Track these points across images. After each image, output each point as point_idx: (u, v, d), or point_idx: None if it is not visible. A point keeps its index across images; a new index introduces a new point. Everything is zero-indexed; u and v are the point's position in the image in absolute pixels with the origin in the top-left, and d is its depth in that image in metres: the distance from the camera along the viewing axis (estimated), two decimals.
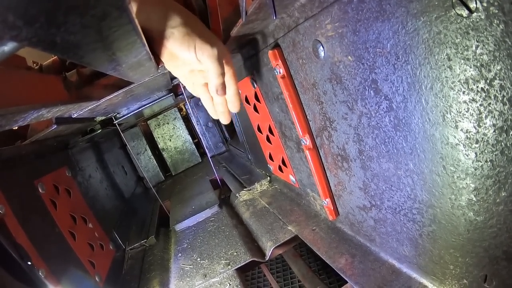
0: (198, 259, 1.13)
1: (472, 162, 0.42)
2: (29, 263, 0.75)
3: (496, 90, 0.35)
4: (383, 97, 0.52)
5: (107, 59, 0.41)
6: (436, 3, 0.37)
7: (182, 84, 1.44)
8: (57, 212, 1.00)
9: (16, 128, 1.03)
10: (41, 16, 0.23)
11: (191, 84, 0.75)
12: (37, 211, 0.92)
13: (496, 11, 0.32)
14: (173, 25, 0.57)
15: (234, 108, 0.78)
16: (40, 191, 0.97)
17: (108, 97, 0.92)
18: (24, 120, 0.68)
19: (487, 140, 0.39)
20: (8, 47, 0.39)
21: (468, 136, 0.41)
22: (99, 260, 1.11)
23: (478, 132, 0.39)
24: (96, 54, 0.37)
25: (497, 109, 0.36)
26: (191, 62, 0.63)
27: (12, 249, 0.72)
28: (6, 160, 0.89)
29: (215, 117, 0.82)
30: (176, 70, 0.69)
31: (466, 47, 0.36)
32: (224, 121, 0.81)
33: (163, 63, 0.65)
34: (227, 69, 0.71)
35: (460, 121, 0.41)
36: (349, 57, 0.55)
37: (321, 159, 0.83)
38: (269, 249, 1.00)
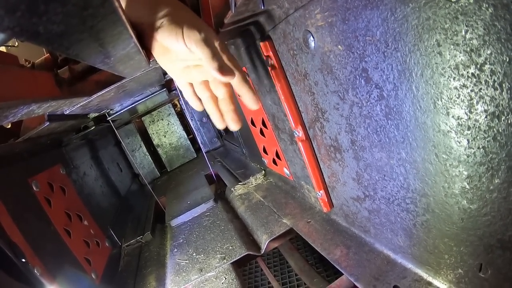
0: (194, 254, 1.13)
1: (465, 149, 0.42)
2: (23, 260, 0.74)
3: (487, 75, 0.35)
4: (373, 85, 0.51)
5: (94, 51, 0.41)
6: None
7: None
8: (52, 210, 0.99)
9: (9, 126, 1.02)
10: (22, 4, 0.23)
11: (186, 84, 0.69)
12: (32, 209, 0.92)
13: None
14: (162, 16, 0.56)
15: (248, 96, 0.66)
16: (34, 189, 0.96)
17: (100, 93, 0.92)
18: (14, 116, 0.67)
19: (479, 127, 0.38)
20: None
21: (460, 122, 0.40)
22: (95, 257, 1.10)
23: (469, 118, 0.39)
24: (82, 45, 0.36)
25: (488, 94, 0.35)
26: (181, 52, 0.59)
27: (7, 248, 0.72)
28: None
29: (220, 125, 0.70)
30: (170, 66, 0.64)
31: (455, 32, 0.36)
32: (234, 126, 0.70)
33: (154, 57, 0.63)
34: (222, 54, 0.62)
35: (451, 107, 0.40)
36: (339, 46, 0.55)
37: (314, 150, 0.83)
38: (264, 242, 1.00)
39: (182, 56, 0.61)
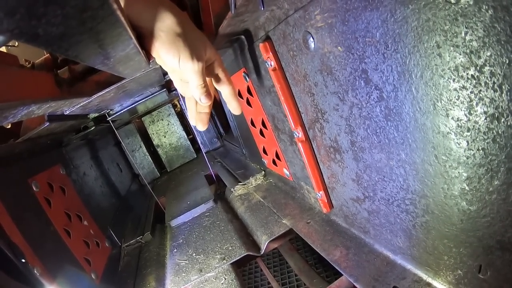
0: (194, 254, 1.13)
1: (464, 151, 0.41)
2: (23, 260, 0.75)
3: (487, 77, 0.35)
4: (373, 87, 0.51)
5: (94, 52, 0.41)
6: None
7: None
8: (51, 210, 0.99)
9: (9, 126, 1.02)
10: (21, 7, 0.23)
11: (179, 80, 0.74)
12: (32, 209, 0.92)
13: None
14: (162, 27, 0.56)
15: (234, 108, 0.77)
16: (34, 189, 0.96)
17: (100, 93, 0.92)
18: (14, 117, 0.67)
19: (478, 128, 0.38)
20: None
21: (460, 124, 0.40)
22: (95, 257, 1.10)
23: (469, 120, 0.39)
24: (82, 47, 0.36)
25: (488, 96, 0.35)
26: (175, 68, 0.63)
27: (6, 248, 0.72)
28: None
29: (193, 122, 0.77)
30: (166, 65, 0.67)
31: (455, 34, 0.36)
32: (201, 126, 0.77)
33: (154, 58, 0.64)
34: (219, 71, 0.70)
35: (451, 109, 0.40)
36: (339, 47, 0.55)
37: (314, 151, 0.83)
38: (264, 242, 1.00)
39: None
